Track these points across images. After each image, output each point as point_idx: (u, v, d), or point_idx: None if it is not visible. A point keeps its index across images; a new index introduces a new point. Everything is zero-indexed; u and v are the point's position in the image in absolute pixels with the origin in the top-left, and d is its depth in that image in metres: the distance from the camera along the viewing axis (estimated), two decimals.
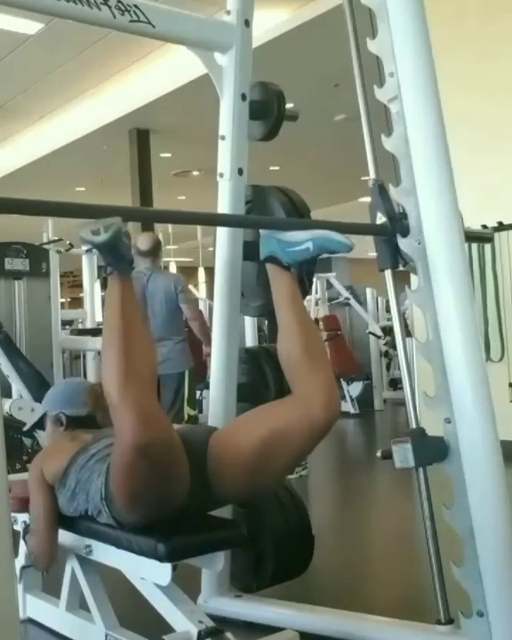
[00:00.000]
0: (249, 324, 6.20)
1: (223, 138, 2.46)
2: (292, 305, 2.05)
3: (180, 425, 2.57)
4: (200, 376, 5.38)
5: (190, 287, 11.79)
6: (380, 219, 2.24)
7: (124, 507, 1.93)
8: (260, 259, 2.14)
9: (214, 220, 2.45)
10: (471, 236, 2.89)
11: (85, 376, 7.60)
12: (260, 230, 2.19)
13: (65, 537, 2.28)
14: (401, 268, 2.28)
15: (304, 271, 2.24)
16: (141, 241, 4.82)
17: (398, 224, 2.21)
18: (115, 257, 1.88)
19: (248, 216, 2.49)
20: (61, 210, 1.92)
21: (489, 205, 5.23)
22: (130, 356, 1.78)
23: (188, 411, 4.64)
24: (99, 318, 6.91)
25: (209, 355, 4.72)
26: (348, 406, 8.51)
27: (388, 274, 2.28)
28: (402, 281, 2.36)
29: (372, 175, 2.35)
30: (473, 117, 5.40)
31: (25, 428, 3.34)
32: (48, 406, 2.54)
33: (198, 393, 6.91)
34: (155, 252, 4.78)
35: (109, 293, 1.89)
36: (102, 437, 2.20)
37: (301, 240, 2.04)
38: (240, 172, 2.46)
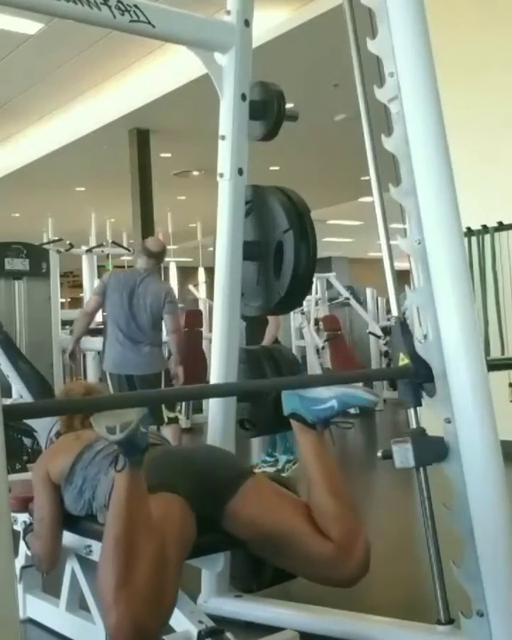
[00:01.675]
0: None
1: (223, 138, 2.46)
2: (321, 461, 2.05)
3: (204, 445, 2.57)
4: (200, 376, 5.40)
5: (190, 287, 11.83)
6: (403, 359, 2.19)
7: None
8: (284, 414, 2.11)
9: (228, 391, 2.40)
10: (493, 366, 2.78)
11: (85, 376, 7.61)
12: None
13: (65, 537, 2.28)
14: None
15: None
16: (152, 243, 4.90)
17: (420, 364, 2.15)
18: (129, 451, 1.78)
19: (262, 380, 2.45)
20: (73, 406, 1.95)
21: (489, 205, 5.23)
22: (128, 567, 1.70)
23: (166, 413, 4.64)
24: (99, 318, 6.91)
25: (175, 376, 4.77)
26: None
27: (411, 415, 2.25)
28: (402, 281, 2.36)
29: (373, 175, 2.34)
30: (473, 117, 5.40)
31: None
32: (44, 440, 2.63)
33: None
34: (160, 256, 4.86)
35: (117, 490, 1.79)
36: None
37: (326, 398, 2.03)
38: (240, 172, 2.46)
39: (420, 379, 2.16)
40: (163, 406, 4.61)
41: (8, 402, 3.98)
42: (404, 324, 2.22)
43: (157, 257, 4.80)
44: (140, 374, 4.59)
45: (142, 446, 1.78)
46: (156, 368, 4.69)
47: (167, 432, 4.63)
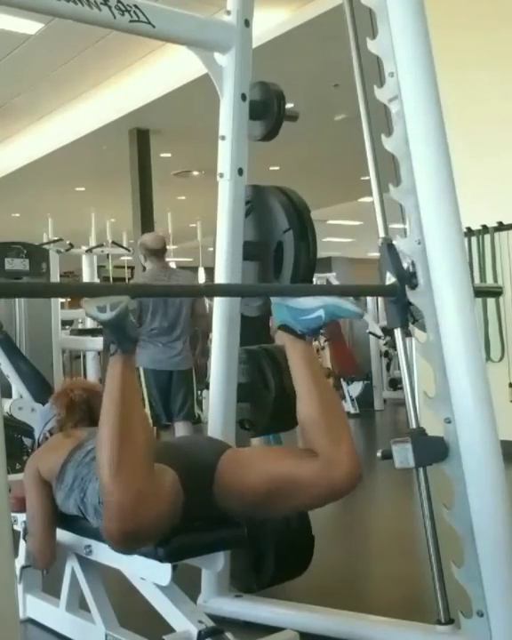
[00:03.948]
0: None
1: (223, 138, 2.46)
2: (310, 370, 2.05)
3: (187, 436, 2.60)
4: (201, 376, 5.42)
5: None
6: (389, 279, 2.21)
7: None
8: (275, 325, 2.13)
9: (222, 291, 2.44)
10: (481, 292, 2.82)
11: (85, 376, 7.60)
12: (272, 298, 2.16)
13: (65, 537, 2.29)
14: (411, 326, 2.26)
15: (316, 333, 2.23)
16: (151, 240, 4.87)
17: (408, 284, 2.18)
18: (120, 335, 1.84)
19: (252, 285, 2.50)
20: (67, 290, 1.94)
21: (489, 205, 5.24)
22: (125, 440, 1.77)
23: (197, 411, 4.72)
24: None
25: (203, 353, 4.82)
26: (348, 406, 8.50)
27: (398, 335, 2.25)
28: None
29: (373, 175, 2.35)
30: (474, 118, 5.40)
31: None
32: (38, 433, 2.63)
33: (198, 393, 6.92)
34: (163, 251, 4.87)
35: (110, 374, 1.85)
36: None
37: (313, 308, 2.04)
38: (240, 172, 2.46)
39: (406, 297, 2.18)
40: (195, 403, 4.73)
41: (8, 402, 3.99)
42: (390, 245, 2.24)
43: (161, 252, 4.82)
44: (178, 370, 4.66)
45: (132, 334, 1.85)
46: (190, 363, 4.78)
47: (181, 427, 4.66)
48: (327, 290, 2.13)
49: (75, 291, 1.99)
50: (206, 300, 4.87)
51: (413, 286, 2.17)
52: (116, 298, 1.82)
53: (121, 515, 1.72)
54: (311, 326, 2.06)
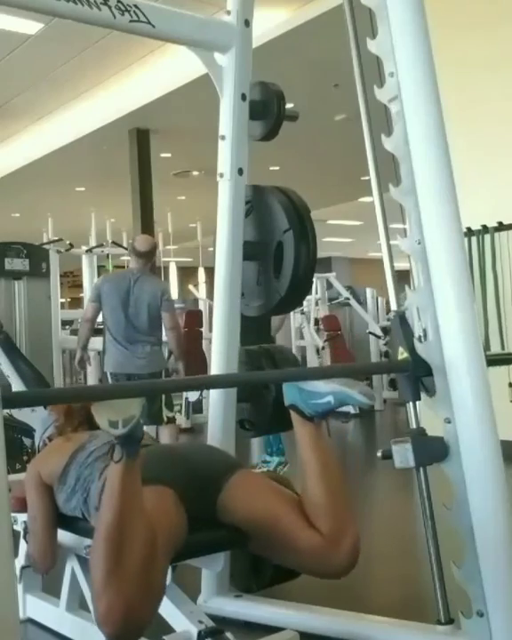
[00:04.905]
0: None
1: (223, 138, 2.46)
2: (318, 453, 2.06)
3: (191, 443, 2.60)
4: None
5: (190, 287, 11.83)
6: (402, 353, 2.19)
7: None
8: (285, 405, 2.13)
9: (227, 382, 2.41)
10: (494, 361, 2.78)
11: (85, 376, 7.60)
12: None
13: (65, 537, 2.29)
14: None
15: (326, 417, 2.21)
16: (140, 242, 4.86)
17: (419, 358, 2.16)
18: (127, 443, 1.79)
19: (262, 372, 2.47)
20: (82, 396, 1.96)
21: (489, 205, 5.23)
22: (119, 550, 1.72)
23: (166, 413, 4.66)
24: (99, 318, 6.91)
25: (176, 371, 4.81)
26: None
27: (410, 408, 2.24)
28: (402, 281, 2.36)
29: (373, 175, 2.34)
30: (474, 118, 5.40)
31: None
32: (38, 439, 2.64)
33: (198, 393, 6.91)
34: (150, 255, 4.84)
35: (111, 479, 1.81)
36: (99, 435, 2.21)
37: (323, 393, 2.05)
38: (240, 172, 2.46)
39: (418, 373, 2.16)
40: (163, 406, 4.65)
41: None
42: (402, 318, 2.23)
43: (147, 256, 4.78)
44: (141, 374, 4.59)
45: (140, 437, 1.82)
46: (157, 367, 4.71)
47: (164, 432, 4.64)
48: (340, 372, 2.13)
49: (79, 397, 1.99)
50: (174, 313, 4.84)
51: (429, 381, 2.15)
52: (127, 410, 1.75)
53: (111, 619, 1.68)
54: (320, 410, 2.07)
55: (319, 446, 2.07)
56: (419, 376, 2.17)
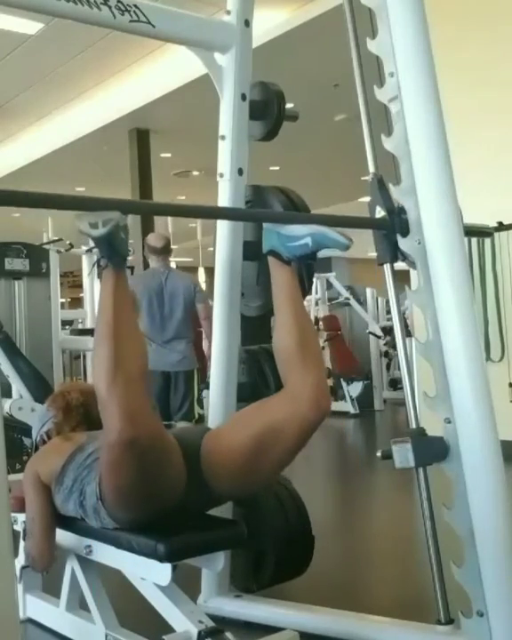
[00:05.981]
0: None
1: (223, 138, 2.46)
2: (290, 300, 2.08)
3: (181, 426, 2.59)
4: (203, 376, 5.44)
5: None
6: (380, 213, 2.25)
7: (116, 504, 1.95)
8: (263, 252, 2.16)
9: (213, 214, 2.47)
10: (471, 232, 2.88)
11: (85, 376, 7.60)
12: (264, 224, 2.20)
13: (65, 537, 2.28)
14: (400, 263, 2.27)
15: (304, 268, 2.25)
16: (153, 239, 4.93)
17: (397, 218, 2.21)
18: (110, 251, 1.88)
19: (247, 210, 2.51)
20: (61, 202, 1.92)
21: (489, 205, 5.23)
22: (120, 351, 1.80)
23: (197, 409, 4.72)
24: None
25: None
26: (348, 406, 8.50)
27: (387, 271, 2.28)
28: (402, 281, 2.36)
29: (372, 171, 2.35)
30: (474, 118, 5.40)
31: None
32: (35, 434, 2.61)
33: (200, 392, 6.93)
34: (167, 250, 4.92)
35: (103, 287, 1.90)
36: (98, 436, 2.21)
37: (301, 235, 2.08)
38: (240, 172, 2.46)
39: (396, 231, 2.20)
40: (195, 403, 4.76)
41: (8, 402, 3.98)
42: (380, 180, 2.28)
43: (164, 251, 4.87)
44: (177, 371, 4.68)
45: (122, 251, 1.88)
46: (191, 365, 4.81)
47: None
48: (320, 220, 2.15)
49: (68, 204, 1.97)
50: (208, 303, 4.88)
51: (403, 227, 2.20)
52: (107, 213, 1.84)
53: (118, 421, 1.74)
54: (297, 253, 2.09)
55: (294, 296, 2.09)
56: (395, 235, 2.21)
